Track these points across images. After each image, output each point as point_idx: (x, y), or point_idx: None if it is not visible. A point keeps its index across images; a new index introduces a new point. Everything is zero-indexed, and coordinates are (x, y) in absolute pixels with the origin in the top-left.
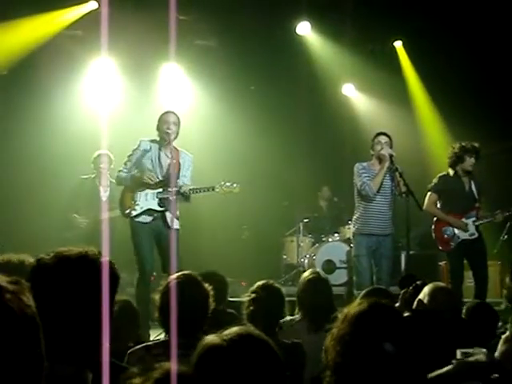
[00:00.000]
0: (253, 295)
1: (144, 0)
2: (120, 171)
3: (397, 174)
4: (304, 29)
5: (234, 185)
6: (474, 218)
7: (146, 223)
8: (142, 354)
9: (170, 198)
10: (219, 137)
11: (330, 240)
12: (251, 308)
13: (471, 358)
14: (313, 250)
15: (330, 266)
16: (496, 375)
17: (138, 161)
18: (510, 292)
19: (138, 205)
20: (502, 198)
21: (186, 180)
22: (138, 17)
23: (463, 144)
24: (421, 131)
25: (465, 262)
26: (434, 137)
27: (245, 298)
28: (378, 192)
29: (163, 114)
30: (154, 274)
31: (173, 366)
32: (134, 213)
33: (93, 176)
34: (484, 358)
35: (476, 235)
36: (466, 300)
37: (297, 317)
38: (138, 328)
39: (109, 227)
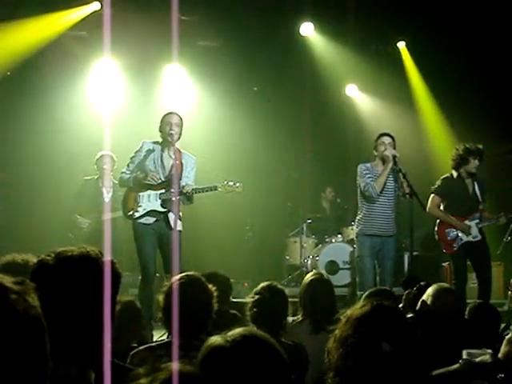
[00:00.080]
0: (256, 296)
1: (146, 1)
2: (123, 173)
3: (400, 174)
4: (307, 29)
5: (237, 184)
6: (477, 221)
7: (149, 224)
8: (146, 354)
9: (173, 198)
10: (222, 137)
11: (334, 241)
12: (255, 309)
13: (477, 359)
14: (316, 250)
15: (333, 267)
16: (502, 375)
17: (140, 162)
18: None
19: (140, 206)
20: (505, 199)
21: (188, 181)
22: (140, 18)
23: (467, 146)
24: (424, 132)
25: (468, 263)
26: (438, 138)
27: (248, 299)
28: (381, 193)
29: (166, 115)
30: (157, 274)
31: (179, 366)
32: (136, 214)
33: (96, 177)
34: (489, 359)
35: (479, 237)
36: (469, 301)
37: (298, 318)
38: (142, 328)
39: (111, 228)
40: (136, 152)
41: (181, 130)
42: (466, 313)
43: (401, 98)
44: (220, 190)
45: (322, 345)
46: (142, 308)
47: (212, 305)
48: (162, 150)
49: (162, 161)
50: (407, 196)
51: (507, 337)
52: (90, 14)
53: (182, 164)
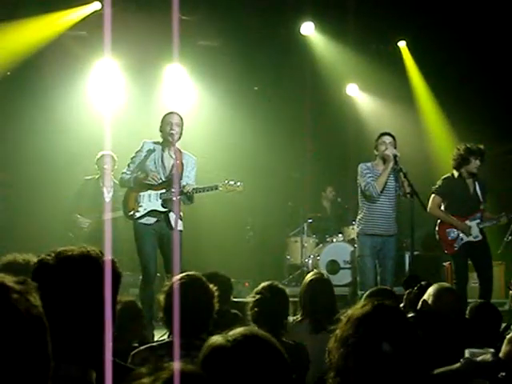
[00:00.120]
0: (257, 296)
1: (147, 0)
2: (123, 173)
3: (401, 174)
4: (308, 29)
5: (238, 183)
6: (478, 221)
7: (150, 225)
8: (147, 354)
9: (173, 198)
10: (222, 137)
11: (334, 240)
12: (256, 309)
13: (478, 358)
14: (317, 250)
15: (334, 267)
16: (503, 373)
17: (141, 163)
18: None
19: (141, 206)
20: (506, 199)
21: (189, 180)
22: (141, 17)
23: (468, 146)
24: (425, 131)
25: (469, 262)
26: (439, 137)
27: (249, 299)
28: (381, 192)
29: (166, 115)
30: (158, 274)
31: (182, 365)
32: (137, 214)
33: (96, 177)
34: (490, 358)
35: (480, 237)
36: (470, 301)
37: (297, 317)
38: (143, 328)
39: (112, 228)
40: (137, 152)
41: (181, 129)
42: (467, 312)
43: (401, 97)
44: (221, 189)
45: (321, 344)
46: (142, 308)
47: (213, 304)
48: (163, 150)
49: (162, 161)
50: (408, 195)
51: (508, 336)
52: (91, 13)
53: (182, 164)
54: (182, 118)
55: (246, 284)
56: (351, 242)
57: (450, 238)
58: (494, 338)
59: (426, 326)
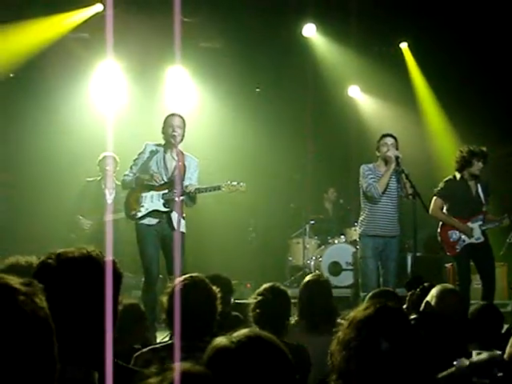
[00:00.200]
0: (259, 297)
1: (149, 2)
2: (125, 175)
3: (403, 175)
4: (310, 30)
5: (241, 184)
6: (480, 222)
7: (152, 226)
8: (149, 356)
9: (176, 199)
10: (225, 139)
11: (336, 242)
12: (257, 310)
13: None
14: (319, 251)
15: (336, 268)
16: (500, 374)
17: (143, 164)
18: None
19: (143, 206)
20: (509, 201)
21: (191, 181)
22: (142, 19)
23: (471, 148)
24: (427, 133)
25: (472, 264)
26: (441, 138)
27: (251, 301)
28: (383, 193)
29: (168, 117)
30: (160, 276)
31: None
32: (139, 214)
33: (98, 178)
34: (486, 357)
35: (482, 239)
36: (473, 302)
37: (295, 319)
38: (146, 330)
39: (113, 229)
40: (139, 154)
41: (183, 131)
42: (469, 314)
43: (403, 98)
44: (224, 189)
45: (318, 346)
46: (145, 310)
47: (216, 307)
48: (165, 152)
49: (164, 162)
50: (410, 197)
51: None
52: (93, 15)
53: (184, 166)
54: (184, 120)
55: (248, 285)
56: (353, 243)
57: (451, 239)
58: (496, 339)
59: (428, 328)
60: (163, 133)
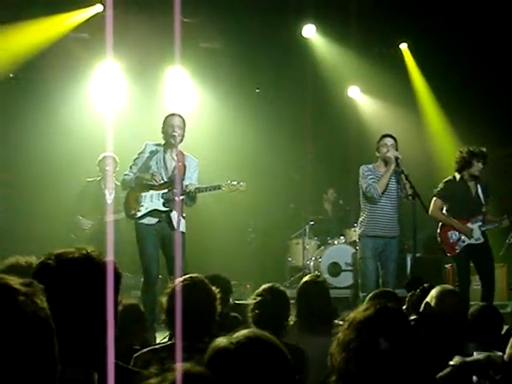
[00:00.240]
0: (258, 298)
1: (149, 3)
2: (125, 175)
3: (403, 176)
4: (309, 31)
5: (241, 183)
6: (480, 223)
7: (151, 225)
8: (149, 357)
9: (176, 198)
10: (225, 139)
11: (336, 242)
12: (256, 311)
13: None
14: (318, 252)
15: (335, 269)
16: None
17: (143, 164)
18: None
19: (142, 206)
20: (508, 202)
21: (191, 181)
22: (142, 20)
23: (471, 149)
24: (427, 134)
25: (471, 265)
26: (440, 139)
27: (250, 301)
28: (383, 194)
29: (168, 117)
30: (160, 276)
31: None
32: (138, 214)
33: (98, 178)
34: (483, 357)
35: (482, 240)
36: (472, 303)
37: (292, 319)
38: (145, 331)
39: (113, 229)
40: (139, 154)
41: (183, 131)
42: (469, 314)
43: (403, 99)
44: (224, 189)
45: (317, 347)
46: (144, 310)
47: (215, 307)
48: (165, 152)
49: (164, 162)
50: (410, 198)
51: None
52: (93, 16)
53: (184, 166)
54: (184, 120)
55: (248, 286)
56: (353, 244)
57: (451, 240)
58: (496, 340)
59: (428, 329)
60: (163, 133)
